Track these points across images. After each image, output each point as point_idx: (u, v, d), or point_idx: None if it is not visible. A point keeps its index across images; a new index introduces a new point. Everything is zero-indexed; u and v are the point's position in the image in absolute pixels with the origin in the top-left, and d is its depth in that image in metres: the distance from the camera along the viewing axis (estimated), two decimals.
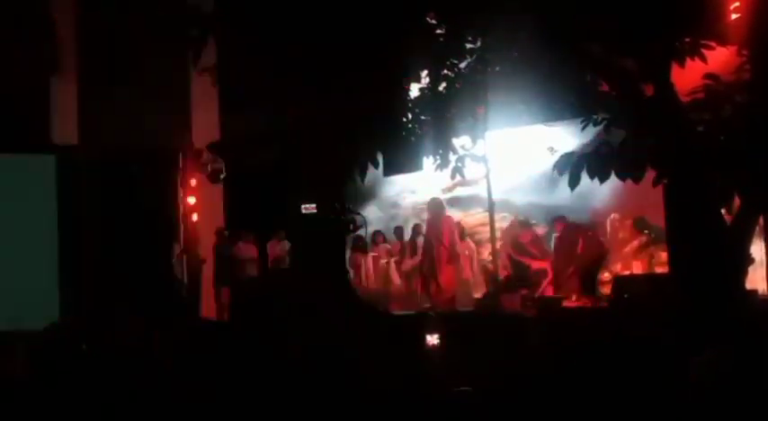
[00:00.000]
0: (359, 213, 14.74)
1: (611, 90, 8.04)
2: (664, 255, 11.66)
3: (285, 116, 9.90)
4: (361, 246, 16.15)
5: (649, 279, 11.71)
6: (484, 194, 13.65)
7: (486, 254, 15.06)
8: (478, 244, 15.48)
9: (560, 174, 7.37)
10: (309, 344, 6.39)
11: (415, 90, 9.95)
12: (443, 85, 9.52)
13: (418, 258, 15.55)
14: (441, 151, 10.18)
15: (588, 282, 13.16)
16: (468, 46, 9.21)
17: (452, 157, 10.27)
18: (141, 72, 15.76)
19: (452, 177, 10.77)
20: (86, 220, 15.12)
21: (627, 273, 13.50)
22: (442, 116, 9.79)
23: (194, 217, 15.87)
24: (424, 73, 9.62)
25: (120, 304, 14.22)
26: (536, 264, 13.95)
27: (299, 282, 12.65)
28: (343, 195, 13.19)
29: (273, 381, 5.79)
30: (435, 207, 14.98)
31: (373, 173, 10.55)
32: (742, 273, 7.33)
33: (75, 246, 14.96)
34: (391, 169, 16.06)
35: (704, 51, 7.75)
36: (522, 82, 8.97)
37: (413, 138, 9.98)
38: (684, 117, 7.39)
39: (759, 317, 7.44)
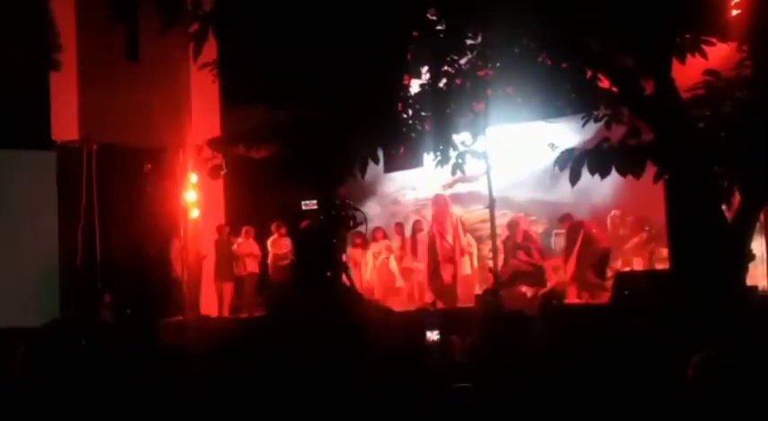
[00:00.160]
0: (359, 209, 14.73)
1: (611, 86, 8.03)
2: (664, 252, 11.67)
3: (285, 112, 9.88)
4: (361, 243, 16.17)
5: (650, 275, 11.73)
6: (484, 191, 13.61)
7: (486, 250, 15.07)
8: (479, 240, 15.49)
9: (561, 170, 7.36)
10: (308, 342, 6.39)
11: (415, 86, 9.94)
12: (444, 81, 9.50)
13: (419, 255, 15.58)
14: (441, 147, 10.16)
15: (593, 279, 13.14)
16: (469, 42, 9.19)
17: (453, 154, 10.25)
18: (141, 68, 15.76)
19: (453, 174, 10.76)
20: (86, 217, 15.12)
21: (627, 269, 13.52)
22: (442, 112, 9.77)
23: (195, 213, 15.87)
24: (425, 69, 9.60)
25: (119, 301, 14.25)
26: (534, 260, 13.94)
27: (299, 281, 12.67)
28: (344, 191, 13.19)
29: (274, 380, 5.79)
30: (440, 203, 15.01)
31: (373, 169, 10.54)
32: (742, 270, 7.32)
33: (74, 243, 14.96)
34: (391, 165, 16.09)
35: (705, 47, 7.74)
36: (523, 78, 8.95)
37: (413, 135, 9.97)
38: (685, 113, 7.38)
39: (759, 314, 7.45)
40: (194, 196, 15.83)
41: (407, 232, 16.17)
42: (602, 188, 10.92)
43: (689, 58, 7.68)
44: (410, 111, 9.90)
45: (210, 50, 8.97)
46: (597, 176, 7.26)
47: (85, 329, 8.18)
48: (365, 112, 9.07)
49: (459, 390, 5.12)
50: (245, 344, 6.70)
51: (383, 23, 8.31)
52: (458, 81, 9.54)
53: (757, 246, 9.55)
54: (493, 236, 12.62)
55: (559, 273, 13.96)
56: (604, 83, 8.25)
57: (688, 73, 7.68)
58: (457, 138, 10.36)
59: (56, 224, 15.03)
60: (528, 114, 11.15)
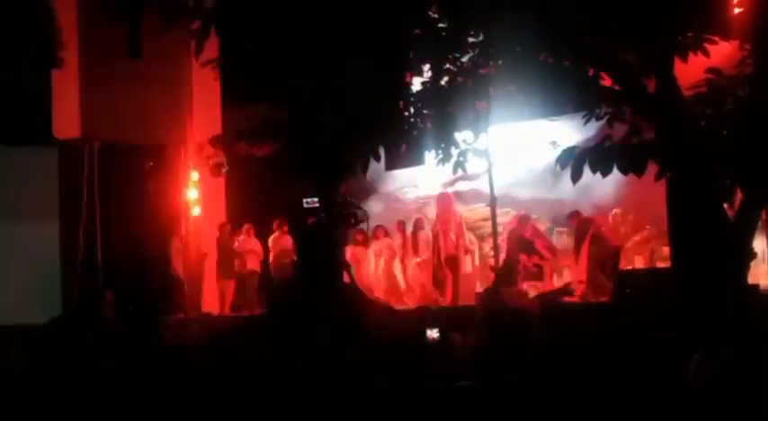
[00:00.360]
0: (360, 207, 14.76)
1: (613, 84, 8.03)
2: (666, 250, 11.67)
3: (287, 110, 9.88)
4: (362, 241, 16.18)
5: (651, 274, 11.72)
6: (486, 189, 13.66)
7: (487, 248, 15.09)
8: (480, 238, 15.51)
9: (562, 168, 7.35)
10: (310, 340, 6.40)
11: (417, 84, 9.94)
12: (446, 79, 9.50)
13: (420, 253, 15.60)
14: (443, 145, 10.16)
15: (604, 281, 13.06)
16: (471, 40, 9.19)
17: (454, 152, 10.25)
18: (143, 65, 15.76)
19: (454, 172, 10.76)
20: (88, 214, 15.13)
21: (629, 267, 13.52)
22: (444, 110, 9.77)
23: (196, 210, 15.88)
24: (427, 67, 9.60)
25: (121, 298, 14.25)
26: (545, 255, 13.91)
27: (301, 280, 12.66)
28: (345, 189, 13.20)
29: (275, 378, 5.79)
30: (444, 202, 15.03)
31: (375, 167, 10.54)
32: (744, 268, 7.32)
33: (76, 240, 14.96)
34: (393, 163, 16.09)
35: (707, 46, 7.74)
36: (525, 76, 8.94)
37: (415, 133, 9.97)
38: (687, 111, 7.38)
39: (760, 313, 7.44)
40: (196, 194, 15.83)
41: (408, 230, 16.18)
42: (603, 186, 10.91)
43: (691, 56, 7.67)
44: (412, 109, 9.90)
45: (212, 48, 8.98)
46: (599, 175, 7.26)
47: (87, 327, 8.19)
48: (367, 110, 9.08)
49: (460, 388, 5.13)
50: (246, 341, 6.70)
51: (385, 21, 8.32)
52: (459, 79, 9.54)
53: (759, 244, 9.55)
54: (494, 234, 12.64)
55: (568, 272, 13.93)
56: (606, 81, 8.25)
57: (690, 71, 7.68)
58: (458, 136, 10.35)
59: (57, 221, 15.03)
60: (529, 112, 11.15)
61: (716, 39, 7.76)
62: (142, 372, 6.14)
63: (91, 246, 15.07)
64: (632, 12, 7.23)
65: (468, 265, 15.17)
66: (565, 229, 14.40)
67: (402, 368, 5.70)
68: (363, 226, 15.77)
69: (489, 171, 12.03)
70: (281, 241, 15.86)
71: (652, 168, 7.31)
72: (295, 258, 15.08)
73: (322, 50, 8.40)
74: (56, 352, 6.42)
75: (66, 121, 15.57)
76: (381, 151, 10.14)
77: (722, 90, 7.50)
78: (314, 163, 10.77)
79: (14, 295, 13.88)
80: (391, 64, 8.94)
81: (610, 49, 7.83)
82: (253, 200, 16.71)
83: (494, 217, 12.57)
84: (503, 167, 14.01)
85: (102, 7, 11.52)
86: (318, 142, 9.81)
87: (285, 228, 15.74)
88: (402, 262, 16.04)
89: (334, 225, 12.98)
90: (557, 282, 14.05)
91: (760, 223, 8.19)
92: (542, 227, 14.96)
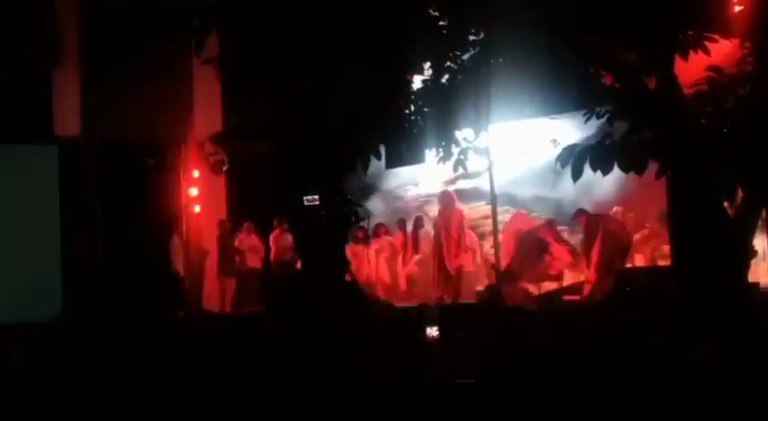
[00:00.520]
0: (361, 205, 14.74)
1: (614, 82, 8.03)
2: (666, 248, 11.66)
3: (287, 108, 9.89)
4: (363, 238, 16.18)
5: (651, 272, 11.71)
6: (486, 187, 13.65)
7: (488, 246, 15.08)
8: (480, 237, 15.50)
9: (563, 166, 7.36)
10: (310, 337, 6.40)
11: (417, 82, 9.94)
12: (446, 77, 9.50)
13: (421, 251, 15.60)
14: (443, 143, 10.15)
15: (609, 278, 12.97)
16: (471, 38, 9.19)
17: (455, 150, 10.25)
18: (143, 63, 15.76)
19: (455, 170, 10.75)
20: (88, 212, 15.13)
21: (629, 265, 13.50)
22: (444, 108, 9.77)
23: (197, 208, 15.88)
24: (427, 65, 9.60)
25: (122, 296, 14.26)
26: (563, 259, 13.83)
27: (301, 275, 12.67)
28: (346, 187, 13.19)
29: (276, 374, 5.79)
30: (447, 200, 15.02)
31: (376, 165, 10.54)
32: (744, 267, 7.32)
33: (77, 238, 14.97)
34: (394, 161, 16.02)
35: (707, 44, 7.73)
36: (525, 74, 8.94)
37: (415, 131, 9.97)
38: (687, 110, 7.38)
39: (761, 311, 7.44)
40: (196, 192, 15.84)
41: (409, 228, 16.18)
42: (603, 185, 10.91)
43: (691, 54, 7.66)
44: (412, 107, 9.90)
45: (213, 46, 8.98)
46: (599, 173, 7.26)
47: (87, 325, 8.19)
48: (367, 108, 9.08)
49: (459, 386, 5.14)
50: (247, 339, 6.71)
51: (386, 19, 8.32)
52: (460, 77, 9.54)
53: (759, 242, 9.53)
54: (495, 232, 12.63)
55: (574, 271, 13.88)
56: (607, 79, 8.25)
57: (690, 69, 7.68)
58: (459, 134, 10.35)
59: (58, 219, 15.04)
60: (530, 110, 11.16)
61: (716, 37, 7.75)
62: (143, 371, 6.15)
63: (91, 244, 15.08)
64: (633, 10, 7.22)
65: (468, 263, 15.16)
66: (566, 227, 14.37)
67: (402, 366, 5.71)
68: (364, 224, 15.78)
69: (490, 169, 12.03)
70: (282, 239, 15.87)
71: (653, 167, 7.32)
72: (295, 256, 15.09)
73: (322, 49, 8.41)
74: (56, 351, 6.43)
75: (67, 120, 15.58)
76: (382, 149, 10.14)
77: (723, 88, 7.50)
78: (314, 161, 10.77)
79: (15, 293, 13.89)
80: (392, 62, 8.94)
81: (610, 47, 7.83)
82: (253, 197, 16.71)
83: (494, 215, 12.56)
84: (503, 166, 14.00)
85: (103, 5, 11.53)
86: (319, 140, 9.81)
87: (285, 226, 15.74)
88: (403, 260, 16.04)
89: (334, 223, 12.97)
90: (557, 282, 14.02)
91: (760, 222, 8.18)
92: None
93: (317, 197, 13.05)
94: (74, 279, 14.83)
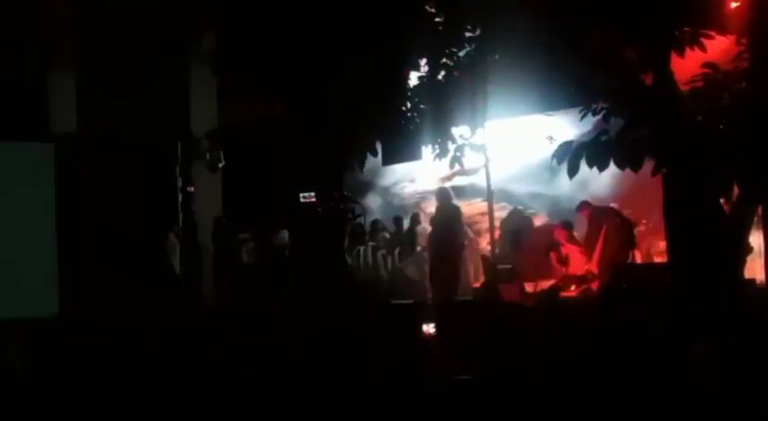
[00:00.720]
0: (358, 202, 14.76)
1: (610, 79, 8.03)
2: (662, 245, 11.66)
3: (284, 104, 9.89)
4: (359, 235, 16.18)
5: (647, 268, 11.70)
6: (483, 184, 13.62)
7: (484, 243, 15.07)
8: (477, 233, 15.49)
9: (559, 163, 7.36)
10: (306, 333, 6.40)
11: (414, 79, 9.94)
12: (442, 73, 9.51)
13: (417, 248, 15.60)
14: (440, 140, 10.17)
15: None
16: (468, 35, 9.19)
17: (451, 147, 10.27)
18: (140, 61, 15.74)
19: (451, 166, 10.77)
20: (85, 209, 15.11)
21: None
22: (440, 105, 9.78)
23: (193, 206, 15.86)
24: (423, 61, 9.60)
25: (118, 293, 14.25)
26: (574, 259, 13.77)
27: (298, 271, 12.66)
28: (342, 184, 13.19)
29: (273, 370, 5.79)
30: (444, 196, 15.03)
31: (372, 161, 10.56)
32: (740, 263, 7.33)
33: (73, 235, 14.95)
34: (390, 158, 16.09)
35: (703, 40, 7.73)
36: (521, 71, 8.95)
37: (412, 127, 9.98)
38: (683, 106, 7.38)
39: (756, 307, 7.45)
40: (193, 189, 15.81)
41: (406, 225, 16.17)
42: (600, 181, 10.91)
43: (688, 51, 7.67)
44: (409, 104, 9.91)
45: (209, 43, 8.98)
46: (595, 169, 7.26)
47: (84, 323, 8.19)
48: (364, 105, 9.08)
49: (455, 382, 5.14)
50: (245, 335, 6.71)
51: (383, 16, 8.32)
52: (456, 74, 9.55)
53: (755, 239, 9.53)
54: (491, 229, 12.62)
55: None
56: (603, 76, 8.25)
57: (687, 66, 7.68)
58: (455, 130, 10.37)
59: (54, 216, 15.01)
60: (526, 107, 11.18)
61: (712, 34, 7.76)
62: (140, 369, 6.15)
63: (88, 241, 15.06)
64: (629, 7, 7.22)
65: (465, 260, 15.16)
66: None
67: (398, 362, 5.71)
68: (360, 220, 15.79)
69: (486, 166, 12.01)
70: (278, 236, 15.86)
71: (648, 163, 7.32)
72: (291, 253, 15.09)
73: (320, 46, 8.41)
74: (53, 347, 6.43)
75: (64, 117, 15.56)
76: (378, 146, 10.15)
77: (719, 85, 7.51)
78: (311, 157, 10.77)
79: (11, 291, 13.86)
80: (389, 59, 8.94)
81: (607, 43, 7.83)
82: (249, 194, 16.71)
83: (491, 212, 12.54)
84: (500, 162, 13.98)
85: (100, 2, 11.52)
86: (316, 138, 9.81)
87: (282, 223, 15.73)
88: (399, 256, 16.04)
89: (330, 219, 12.98)
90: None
91: (756, 218, 8.19)
92: (538, 222, 14.94)
93: (313, 194, 13.07)
94: (70, 276, 14.81)
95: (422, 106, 9.91)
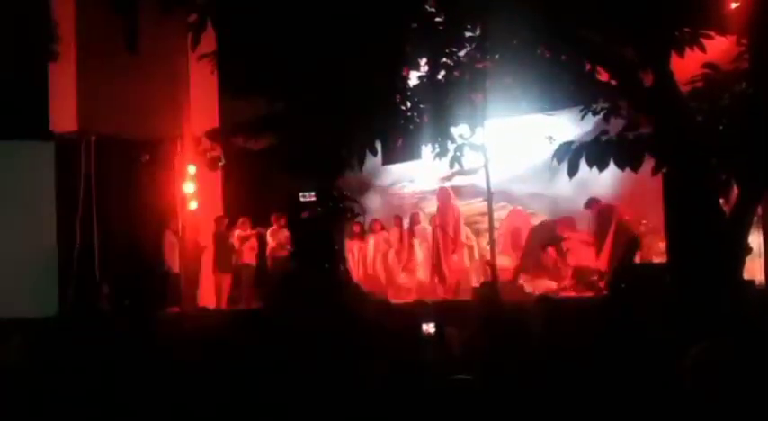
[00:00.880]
0: (357, 201, 14.77)
1: (610, 79, 8.03)
2: (662, 245, 11.66)
3: (284, 103, 9.89)
4: (359, 234, 16.20)
5: (647, 268, 11.71)
6: (482, 183, 13.61)
7: (484, 243, 15.08)
8: (477, 233, 15.51)
9: (559, 162, 7.35)
10: (306, 333, 6.40)
11: (414, 78, 9.94)
12: (442, 73, 9.51)
13: (416, 248, 15.62)
14: (439, 140, 10.17)
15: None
16: (468, 34, 9.19)
17: (451, 146, 10.27)
18: (140, 59, 15.75)
19: (451, 166, 10.77)
20: (84, 208, 15.12)
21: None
22: (440, 105, 9.78)
23: (193, 204, 15.88)
24: (423, 61, 9.60)
25: (117, 292, 14.25)
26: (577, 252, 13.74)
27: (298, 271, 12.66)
28: (342, 183, 13.20)
29: (271, 371, 5.79)
30: (444, 197, 15.05)
31: (372, 161, 10.56)
32: (739, 263, 7.32)
33: (72, 234, 14.96)
34: (390, 158, 16.12)
35: (703, 40, 7.74)
36: (522, 71, 8.95)
37: (411, 127, 9.98)
38: (683, 106, 7.38)
39: (756, 308, 7.44)
40: (192, 188, 15.82)
41: (405, 224, 16.19)
42: (600, 181, 10.92)
43: (688, 51, 7.67)
44: (408, 104, 9.91)
45: (209, 41, 8.96)
46: (595, 169, 7.26)
47: (83, 321, 8.20)
48: (364, 104, 9.08)
49: (455, 382, 5.13)
50: (242, 335, 6.70)
51: (382, 15, 8.31)
52: (456, 73, 9.54)
53: (754, 239, 9.53)
54: (491, 229, 12.63)
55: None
56: (603, 75, 8.25)
57: (687, 66, 7.68)
58: (455, 130, 10.37)
59: (54, 215, 15.02)
60: (526, 107, 11.17)
61: (712, 34, 7.76)
62: (138, 367, 6.14)
63: (87, 239, 15.07)
64: (629, 6, 7.22)
65: (465, 260, 15.19)
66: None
67: (398, 362, 5.70)
68: (360, 220, 15.80)
69: (486, 166, 12.02)
70: (278, 235, 15.86)
71: (648, 163, 7.32)
72: (291, 252, 15.09)
73: (319, 44, 8.40)
74: (51, 346, 6.42)
75: (63, 115, 15.56)
76: (378, 145, 10.15)
77: (719, 85, 7.51)
78: (311, 157, 10.78)
79: (10, 289, 13.87)
80: (388, 58, 8.94)
81: (607, 43, 7.83)
82: (249, 193, 16.72)
83: (490, 212, 12.55)
84: (499, 162, 13.99)
85: (100, 1, 11.51)
86: (315, 136, 9.81)
87: (282, 222, 15.74)
88: (398, 256, 16.05)
89: (330, 219, 12.99)
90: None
91: (755, 218, 8.19)
92: (537, 221, 14.94)
93: (313, 193, 13.07)
94: (70, 275, 14.82)
95: (422, 106, 9.91)
